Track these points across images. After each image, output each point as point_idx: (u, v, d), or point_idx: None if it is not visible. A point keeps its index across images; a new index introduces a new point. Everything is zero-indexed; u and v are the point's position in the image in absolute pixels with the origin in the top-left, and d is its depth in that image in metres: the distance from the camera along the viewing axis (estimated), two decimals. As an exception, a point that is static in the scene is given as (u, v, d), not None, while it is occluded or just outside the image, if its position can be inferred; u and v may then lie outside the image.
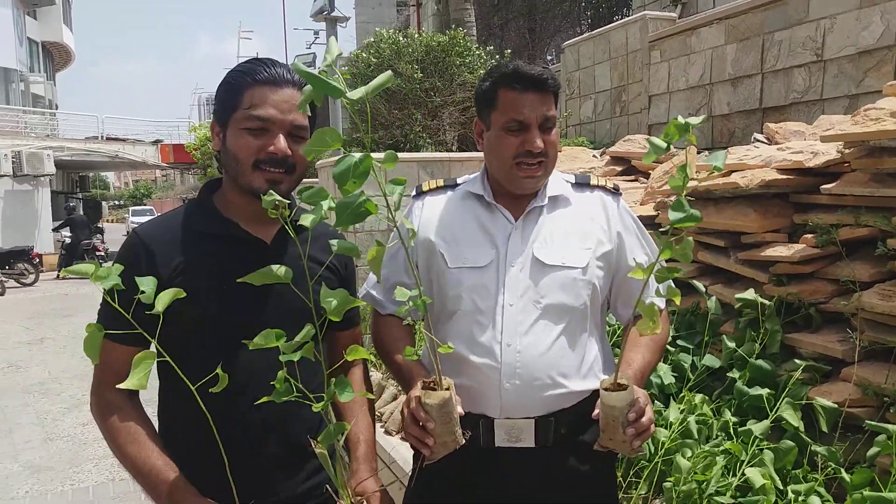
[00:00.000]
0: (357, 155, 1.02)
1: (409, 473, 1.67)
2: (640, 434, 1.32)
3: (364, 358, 1.55)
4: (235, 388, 1.29)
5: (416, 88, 7.52)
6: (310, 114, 1.44)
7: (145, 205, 42.84)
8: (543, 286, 1.52)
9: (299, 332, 1.47)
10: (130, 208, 40.44)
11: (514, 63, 1.52)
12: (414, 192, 1.71)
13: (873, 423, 2.03)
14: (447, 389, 1.32)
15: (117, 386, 1.15)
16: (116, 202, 58.57)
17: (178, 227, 1.42)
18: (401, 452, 3.27)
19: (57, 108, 33.67)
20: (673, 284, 1.31)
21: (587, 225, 1.60)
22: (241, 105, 1.37)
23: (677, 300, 1.30)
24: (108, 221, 38.54)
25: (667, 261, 1.26)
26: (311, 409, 1.51)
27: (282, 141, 1.36)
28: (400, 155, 1.24)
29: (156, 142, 28.66)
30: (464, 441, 1.35)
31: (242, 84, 1.37)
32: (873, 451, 2.00)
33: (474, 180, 1.65)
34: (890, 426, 1.96)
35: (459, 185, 1.68)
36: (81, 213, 18.99)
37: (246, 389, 1.35)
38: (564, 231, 1.58)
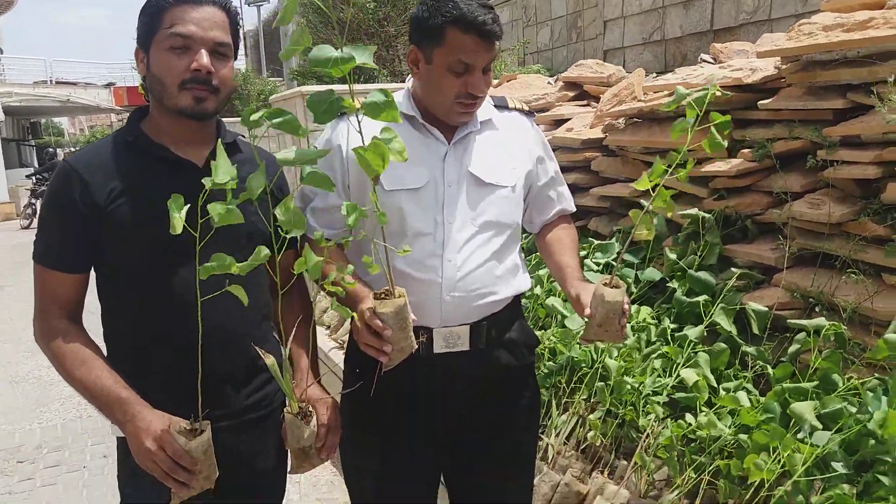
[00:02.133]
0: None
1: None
2: (626, 323, 1.48)
3: (303, 278, 1.60)
4: (183, 307, 1.33)
5: (369, 19, 7.37)
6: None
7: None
8: (479, 204, 1.61)
9: (240, 251, 1.51)
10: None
11: (465, 4, 1.47)
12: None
13: (795, 321, 2.16)
14: (400, 297, 1.38)
15: None
16: (72, 149, 56.69)
17: (108, 155, 1.44)
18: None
19: (2, 53, 32.28)
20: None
21: (512, 146, 1.70)
22: (162, 25, 1.38)
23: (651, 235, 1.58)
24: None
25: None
26: (260, 327, 1.57)
27: (204, 57, 1.38)
28: (354, 87, 1.27)
29: (108, 85, 27.79)
30: (416, 346, 1.42)
31: (162, 5, 1.38)
32: (793, 347, 2.13)
33: (401, 101, 1.62)
34: (808, 322, 2.08)
35: None
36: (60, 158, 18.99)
37: (193, 309, 1.40)
38: (495, 152, 1.66)
